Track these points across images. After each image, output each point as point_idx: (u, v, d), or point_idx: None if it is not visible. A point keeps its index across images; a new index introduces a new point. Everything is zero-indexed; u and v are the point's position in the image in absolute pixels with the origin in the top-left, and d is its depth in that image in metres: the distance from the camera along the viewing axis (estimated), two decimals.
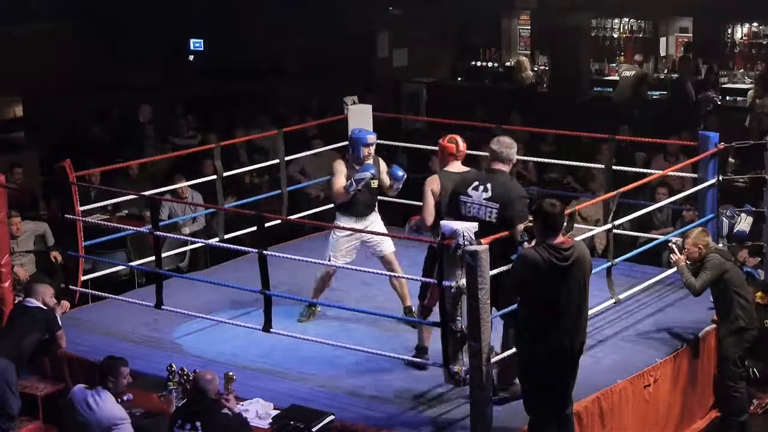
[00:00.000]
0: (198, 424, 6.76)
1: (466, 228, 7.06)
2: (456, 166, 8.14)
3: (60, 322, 8.54)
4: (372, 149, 8.98)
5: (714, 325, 8.64)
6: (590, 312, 8.33)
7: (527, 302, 6.75)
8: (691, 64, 16.74)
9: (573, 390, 6.96)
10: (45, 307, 8.45)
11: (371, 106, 11.06)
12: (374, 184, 8.95)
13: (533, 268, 6.62)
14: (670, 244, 8.57)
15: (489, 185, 7.45)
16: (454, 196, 7.57)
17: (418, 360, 7.92)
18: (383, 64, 19.37)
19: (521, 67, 18.36)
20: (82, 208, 9.38)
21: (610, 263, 8.82)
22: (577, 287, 6.71)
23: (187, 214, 11.66)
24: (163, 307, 8.70)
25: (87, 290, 9.49)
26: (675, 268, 8.85)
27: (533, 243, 6.80)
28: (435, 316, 7.78)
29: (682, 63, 16.92)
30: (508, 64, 19.40)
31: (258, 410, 7.45)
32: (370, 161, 8.94)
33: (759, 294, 8.76)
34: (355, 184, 8.74)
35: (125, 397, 7.63)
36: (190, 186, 11.29)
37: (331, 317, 8.91)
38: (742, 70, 17.35)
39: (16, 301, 8.87)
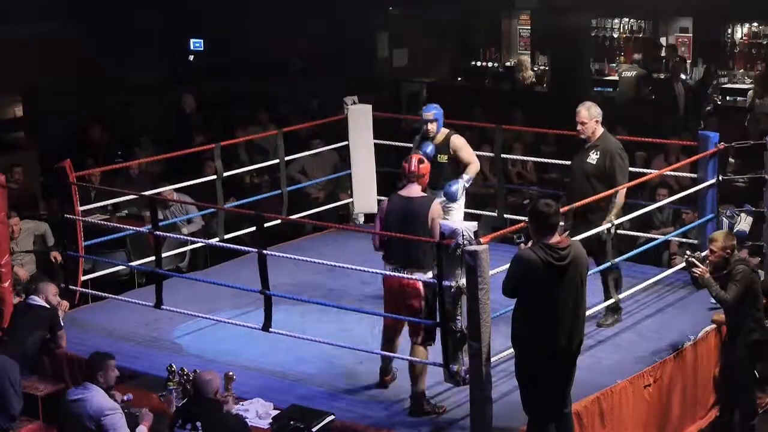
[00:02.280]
0: (198, 424, 6.78)
1: (466, 227, 7.06)
2: (407, 190, 7.71)
3: (62, 322, 8.55)
4: (431, 126, 8.95)
5: (714, 326, 8.62)
6: (590, 312, 8.36)
7: (524, 302, 6.74)
8: (681, 65, 16.76)
9: (571, 390, 6.96)
10: (48, 306, 8.47)
11: (371, 106, 11.07)
12: (442, 158, 8.99)
13: (530, 268, 6.61)
14: (690, 258, 8.18)
15: None
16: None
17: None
18: (383, 64, 19.37)
19: (521, 66, 18.37)
20: (82, 208, 9.39)
21: (609, 263, 8.82)
22: (574, 286, 6.71)
23: (180, 217, 11.59)
24: (163, 307, 8.70)
25: (87, 290, 9.50)
26: (674, 269, 8.84)
27: (530, 243, 6.80)
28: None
29: (674, 64, 16.94)
30: (508, 64, 19.41)
31: (258, 410, 7.45)
32: (437, 138, 8.96)
33: None
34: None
35: (125, 397, 7.64)
36: (176, 189, 11.18)
37: (331, 317, 8.90)
38: (742, 70, 17.36)
39: (17, 300, 8.88)
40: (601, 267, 8.78)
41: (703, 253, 8.52)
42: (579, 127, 8.77)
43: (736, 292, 8.02)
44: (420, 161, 7.75)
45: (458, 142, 9.06)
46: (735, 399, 8.39)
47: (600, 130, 8.78)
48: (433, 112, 9.00)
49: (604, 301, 8.80)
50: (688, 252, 8.37)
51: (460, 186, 8.93)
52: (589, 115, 8.73)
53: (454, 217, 8.87)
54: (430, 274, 7.49)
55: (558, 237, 6.71)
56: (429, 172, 7.81)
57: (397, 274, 7.55)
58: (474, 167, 9.07)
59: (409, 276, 7.48)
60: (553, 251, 6.62)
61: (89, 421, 7.16)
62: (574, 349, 6.82)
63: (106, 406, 7.18)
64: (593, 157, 8.74)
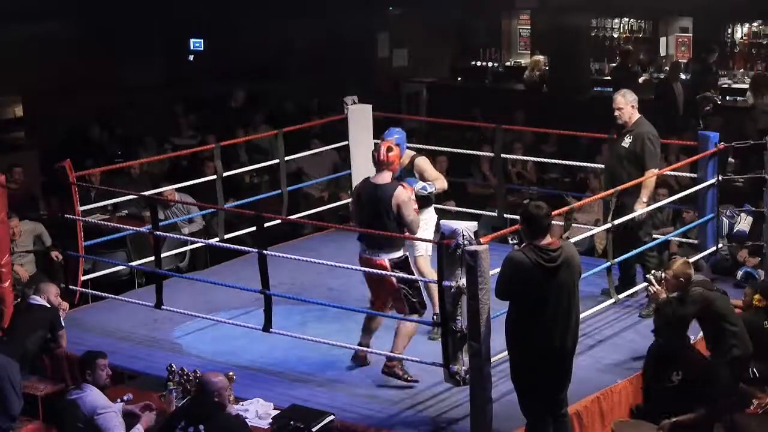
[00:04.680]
0: (201, 427, 6.72)
1: (466, 227, 7.06)
2: (378, 177, 7.89)
3: (62, 322, 8.55)
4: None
5: None
6: (590, 312, 8.37)
7: (517, 304, 6.72)
8: (680, 65, 16.74)
9: (567, 390, 6.94)
10: (49, 306, 8.46)
11: (371, 106, 11.07)
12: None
13: (519, 270, 6.60)
14: (648, 276, 8.13)
15: None
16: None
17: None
18: (383, 64, 19.37)
19: (538, 66, 18.28)
20: (82, 208, 9.39)
21: (609, 263, 8.82)
22: (567, 288, 6.69)
23: (182, 217, 11.59)
24: (163, 307, 8.70)
25: (87, 290, 9.50)
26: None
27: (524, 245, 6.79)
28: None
29: (672, 64, 16.94)
30: (508, 64, 19.41)
31: (258, 410, 7.45)
32: (402, 161, 8.47)
33: (756, 297, 8.71)
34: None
35: (125, 397, 7.63)
36: (177, 189, 11.18)
37: (331, 317, 8.90)
38: (742, 70, 17.35)
39: (18, 300, 8.88)
40: (604, 266, 8.79)
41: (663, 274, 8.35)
42: (616, 113, 9.06)
43: (683, 312, 7.75)
44: (389, 149, 7.91)
45: (423, 163, 8.73)
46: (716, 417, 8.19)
47: (636, 115, 9.08)
48: (395, 137, 8.59)
49: (645, 289, 8.80)
50: (653, 271, 8.24)
51: (419, 185, 8.54)
52: (625, 101, 9.05)
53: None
54: (400, 253, 7.75)
55: (550, 239, 6.70)
56: (398, 159, 8.02)
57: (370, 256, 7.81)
58: (440, 183, 8.73)
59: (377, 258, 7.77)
60: (543, 253, 6.61)
61: (83, 420, 7.17)
62: (568, 350, 6.79)
63: (98, 405, 7.18)
64: (627, 141, 9.06)
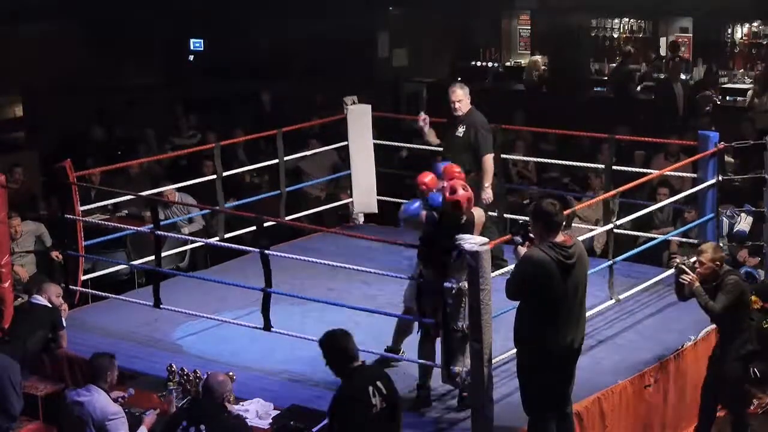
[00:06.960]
0: (203, 427, 6.71)
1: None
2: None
3: (63, 322, 8.55)
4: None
5: (714, 326, 8.59)
6: (590, 312, 8.36)
7: (532, 302, 6.70)
8: (680, 65, 16.75)
9: (573, 389, 6.96)
10: (50, 306, 8.46)
11: (371, 106, 11.07)
12: None
13: (542, 268, 6.58)
14: (679, 264, 7.93)
15: None
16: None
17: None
18: (383, 64, 19.38)
19: (536, 66, 18.28)
20: (82, 208, 9.39)
21: (610, 263, 8.82)
22: (580, 285, 6.72)
23: (182, 216, 11.59)
24: (162, 306, 8.70)
25: (87, 290, 9.49)
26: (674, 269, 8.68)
27: (528, 244, 6.77)
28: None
29: (672, 64, 16.94)
30: (508, 64, 19.42)
31: (258, 410, 7.45)
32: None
33: (753, 299, 8.69)
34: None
35: (126, 394, 7.62)
36: (177, 189, 11.18)
37: (331, 317, 8.89)
38: (742, 70, 17.36)
39: (20, 300, 8.87)
40: (605, 266, 8.79)
41: (693, 259, 8.25)
42: (456, 105, 9.58)
43: (725, 302, 7.75)
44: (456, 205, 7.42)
45: None
46: (721, 409, 8.15)
47: (469, 106, 9.67)
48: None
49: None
50: (677, 259, 8.12)
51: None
52: (464, 93, 9.64)
53: None
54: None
55: (562, 236, 6.71)
56: (467, 201, 7.49)
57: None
58: None
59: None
60: (562, 249, 6.61)
61: (92, 424, 7.14)
62: (577, 348, 6.82)
63: (110, 411, 7.16)
64: (461, 131, 9.56)
